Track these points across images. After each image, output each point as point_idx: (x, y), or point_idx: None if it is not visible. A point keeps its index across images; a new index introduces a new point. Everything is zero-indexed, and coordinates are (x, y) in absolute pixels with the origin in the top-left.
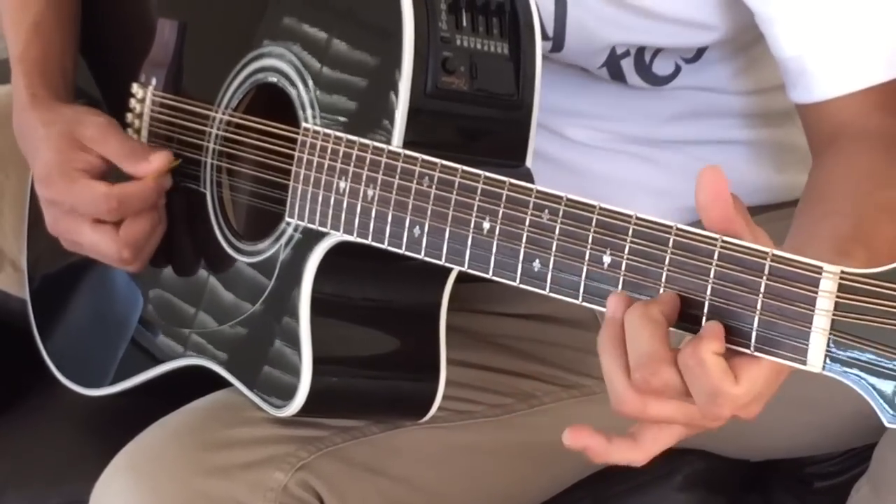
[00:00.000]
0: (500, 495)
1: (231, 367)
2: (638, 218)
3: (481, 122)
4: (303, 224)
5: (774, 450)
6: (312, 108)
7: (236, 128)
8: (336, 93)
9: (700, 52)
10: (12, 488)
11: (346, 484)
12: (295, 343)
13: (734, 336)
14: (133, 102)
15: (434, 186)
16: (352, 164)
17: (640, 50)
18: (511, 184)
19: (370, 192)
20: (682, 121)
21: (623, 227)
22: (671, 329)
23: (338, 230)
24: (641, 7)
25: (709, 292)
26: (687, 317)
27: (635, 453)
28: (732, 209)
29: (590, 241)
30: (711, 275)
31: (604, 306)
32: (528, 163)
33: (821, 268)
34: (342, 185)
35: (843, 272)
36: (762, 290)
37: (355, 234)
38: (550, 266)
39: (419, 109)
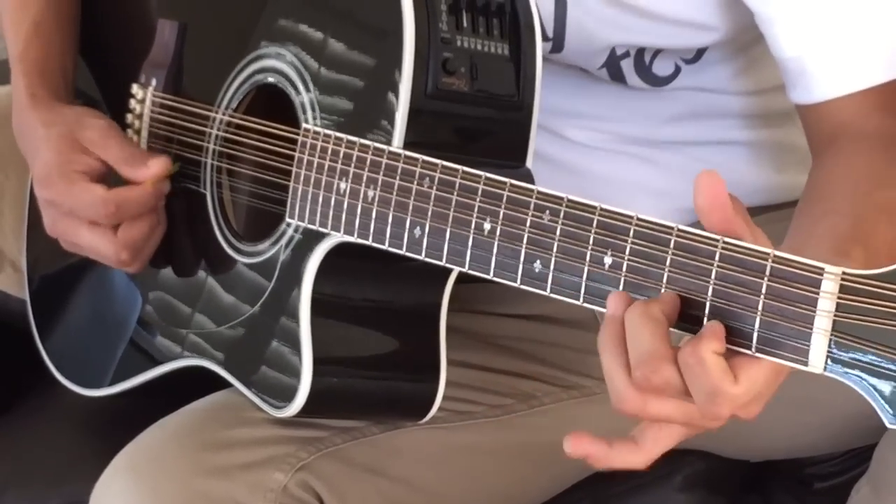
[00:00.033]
0: (500, 496)
1: (231, 368)
2: (639, 219)
3: (482, 122)
4: (303, 225)
5: (774, 450)
6: (313, 108)
7: (236, 128)
8: (336, 93)
9: (700, 53)
10: (12, 489)
11: (347, 484)
12: (295, 344)
13: (735, 337)
14: (133, 103)
15: (435, 187)
16: (352, 164)
17: (640, 51)
18: (512, 185)
19: (371, 193)
20: (681, 121)
21: (624, 228)
22: (672, 329)
23: (338, 231)
24: (641, 8)
25: (710, 293)
26: (688, 318)
27: (637, 456)
28: (731, 211)
29: (591, 242)
30: (712, 276)
31: (605, 307)
32: (529, 163)
33: (822, 269)
34: (342, 185)
35: (844, 273)
36: (763, 291)
37: (356, 235)
38: (551, 267)
39: (420, 110)
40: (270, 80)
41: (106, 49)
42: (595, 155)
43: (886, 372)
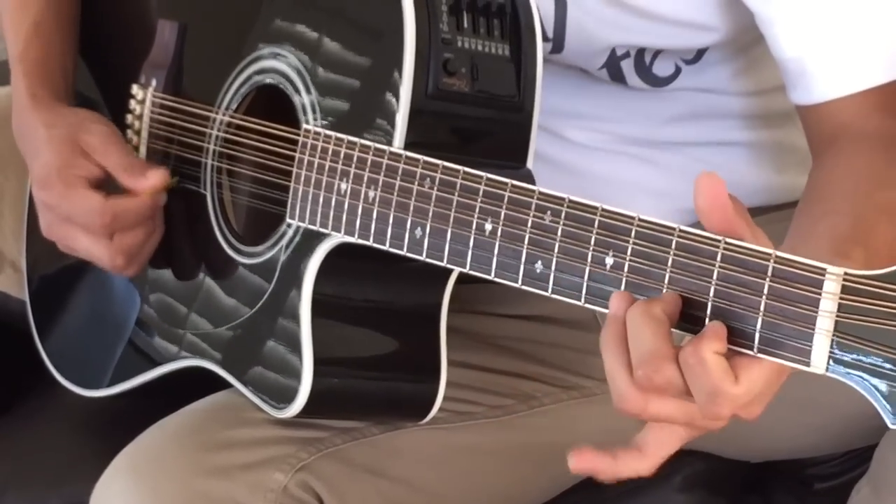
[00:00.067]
0: (500, 496)
1: (231, 369)
2: (640, 219)
3: (482, 123)
4: (303, 225)
5: (775, 451)
6: (313, 109)
7: (237, 129)
8: (337, 94)
9: (700, 54)
10: (12, 490)
11: (347, 485)
12: (296, 344)
13: (737, 337)
14: (133, 104)
15: (436, 188)
16: (353, 165)
17: (640, 51)
18: (513, 185)
19: (371, 194)
20: (682, 122)
21: (625, 228)
22: (673, 330)
23: (339, 232)
24: (641, 8)
25: (712, 294)
26: (690, 318)
27: (642, 463)
28: (732, 212)
29: (592, 242)
30: (714, 276)
31: (606, 308)
32: (530, 164)
33: (824, 269)
34: (343, 186)
35: (846, 274)
36: (765, 291)
37: (356, 236)
38: (553, 267)
39: (420, 111)
40: (271, 81)
41: (106, 49)
42: (595, 155)
43: (888, 372)
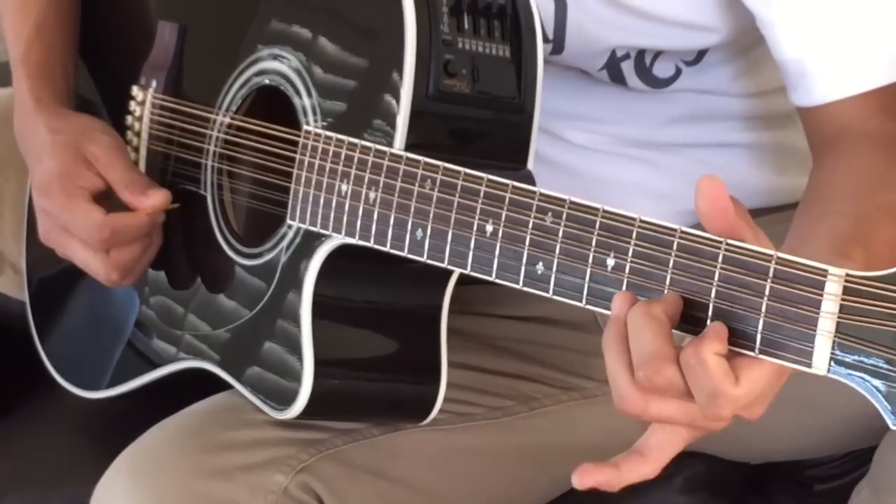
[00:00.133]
0: (500, 498)
1: (231, 370)
2: (642, 221)
3: (483, 124)
4: (304, 227)
5: (776, 452)
6: (313, 110)
7: (237, 130)
8: (337, 95)
9: (700, 55)
10: (13, 491)
11: (347, 486)
12: (296, 346)
13: (738, 338)
14: (133, 105)
15: (437, 189)
16: (353, 166)
17: (641, 52)
18: (514, 187)
19: (372, 195)
20: (682, 123)
21: (627, 229)
22: (674, 331)
23: (339, 233)
24: (641, 9)
25: (713, 295)
26: (691, 319)
27: (645, 467)
28: (733, 214)
29: (593, 244)
30: (716, 277)
31: (607, 309)
32: (530, 165)
33: (826, 270)
34: (343, 187)
35: (847, 275)
36: (766, 292)
37: (357, 237)
38: (554, 269)
39: (421, 112)
40: (271, 82)
41: (106, 51)
42: (595, 157)
43: (889, 373)
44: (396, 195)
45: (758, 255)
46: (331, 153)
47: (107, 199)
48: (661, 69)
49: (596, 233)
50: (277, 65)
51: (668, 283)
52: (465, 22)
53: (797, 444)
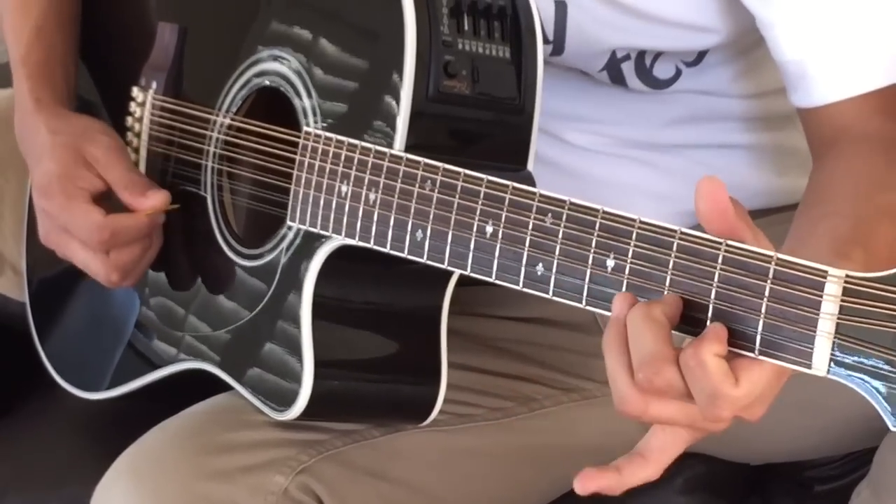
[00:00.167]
0: (500, 499)
1: (232, 371)
2: (642, 222)
3: (483, 125)
4: (304, 228)
5: (776, 453)
6: (314, 111)
7: (237, 131)
8: (337, 96)
9: (701, 56)
10: (13, 492)
11: (347, 487)
12: (296, 347)
13: (738, 339)
14: (133, 106)
15: (437, 190)
16: (353, 167)
17: (641, 53)
18: (514, 188)
19: (372, 196)
20: (682, 124)
21: (627, 230)
22: (674, 332)
23: (339, 234)
24: (641, 10)
25: (713, 296)
26: (691, 320)
27: (647, 469)
28: (733, 216)
29: (593, 244)
30: (715, 278)
31: (607, 310)
32: (530, 166)
33: (825, 271)
34: (344, 188)
35: (847, 276)
36: (766, 293)
37: (357, 238)
38: (554, 270)
39: (421, 113)
40: (271, 83)
41: (106, 52)
42: (595, 158)
43: (890, 375)
44: (396, 196)
45: (757, 256)
46: (331, 154)
47: (107, 200)
48: (662, 70)
49: (596, 234)
50: (277, 66)
51: (667, 284)
52: (465, 23)
53: (797, 445)
